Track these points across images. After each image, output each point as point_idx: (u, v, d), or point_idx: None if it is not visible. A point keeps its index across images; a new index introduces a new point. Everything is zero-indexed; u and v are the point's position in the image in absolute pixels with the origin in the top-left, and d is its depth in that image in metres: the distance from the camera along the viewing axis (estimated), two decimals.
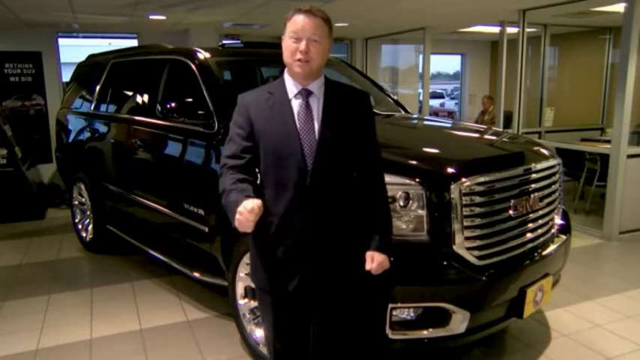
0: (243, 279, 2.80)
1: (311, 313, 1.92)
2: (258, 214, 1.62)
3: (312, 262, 1.81)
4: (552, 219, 2.84)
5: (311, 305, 1.90)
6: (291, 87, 1.83)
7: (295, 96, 1.82)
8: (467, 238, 2.35)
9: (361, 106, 1.91)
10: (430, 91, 8.37)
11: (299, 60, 1.75)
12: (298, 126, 1.78)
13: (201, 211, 3.11)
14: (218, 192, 1.81)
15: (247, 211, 1.60)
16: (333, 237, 1.83)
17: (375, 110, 3.07)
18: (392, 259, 2.25)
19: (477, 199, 2.38)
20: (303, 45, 1.74)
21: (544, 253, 2.70)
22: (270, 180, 1.81)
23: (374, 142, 1.92)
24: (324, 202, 1.79)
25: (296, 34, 1.76)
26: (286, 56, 1.80)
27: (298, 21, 1.76)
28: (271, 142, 1.79)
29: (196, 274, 3.26)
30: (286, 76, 1.86)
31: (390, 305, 2.28)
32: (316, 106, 1.82)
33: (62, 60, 7.73)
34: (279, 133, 1.78)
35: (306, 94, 1.82)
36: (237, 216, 1.62)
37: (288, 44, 1.78)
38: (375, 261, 1.84)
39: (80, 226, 4.92)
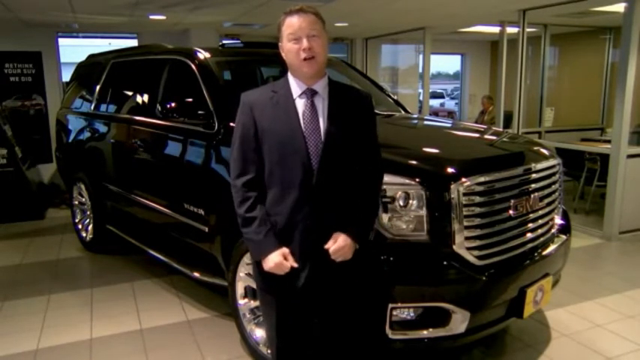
0: (243, 279, 2.80)
1: (313, 313, 1.92)
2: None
3: (317, 261, 1.82)
4: (552, 219, 2.84)
5: (314, 305, 1.90)
6: (296, 87, 1.84)
7: (300, 95, 1.83)
8: (467, 238, 2.34)
9: (364, 107, 1.92)
10: (430, 91, 8.36)
11: (305, 59, 1.76)
12: (303, 125, 1.79)
13: (201, 211, 3.11)
14: (220, 193, 1.82)
15: (282, 269, 1.79)
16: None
17: (375, 110, 3.07)
18: (392, 259, 2.28)
19: (477, 199, 2.38)
20: (305, 43, 1.75)
21: (544, 253, 2.70)
22: (276, 179, 1.81)
23: (375, 143, 1.93)
24: (329, 201, 1.80)
25: (294, 34, 1.77)
26: (291, 59, 1.80)
27: (293, 22, 1.77)
28: (276, 140, 1.80)
29: (196, 274, 3.26)
30: (290, 76, 1.87)
31: (390, 305, 2.28)
32: (321, 105, 1.83)
33: (62, 60, 7.72)
34: (284, 132, 1.79)
35: (310, 93, 1.83)
36: (271, 265, 1.80)
37: (289, 47, 1.79)
38: (337, 242, 1.80)
39: (80, 226, 4.92)
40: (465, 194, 2.34)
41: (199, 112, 3.12)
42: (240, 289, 2.83)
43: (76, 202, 4.95)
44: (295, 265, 1.79)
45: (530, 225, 2.63)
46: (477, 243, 2.38)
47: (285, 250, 1.80)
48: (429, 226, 2.31)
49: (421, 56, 8.63)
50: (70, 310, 3.58)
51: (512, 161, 2.65)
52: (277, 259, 1.78)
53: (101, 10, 5.91)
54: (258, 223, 1.81)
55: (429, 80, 8.07)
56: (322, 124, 1.80)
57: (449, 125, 3.98)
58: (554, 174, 2.83)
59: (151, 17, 6.47)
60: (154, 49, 4.13)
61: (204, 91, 3.20)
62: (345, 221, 1.84)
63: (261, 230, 1.81)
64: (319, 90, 1.84)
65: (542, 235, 2.73)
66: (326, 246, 1.80)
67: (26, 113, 7.30)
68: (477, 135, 3.40)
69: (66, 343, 3.11)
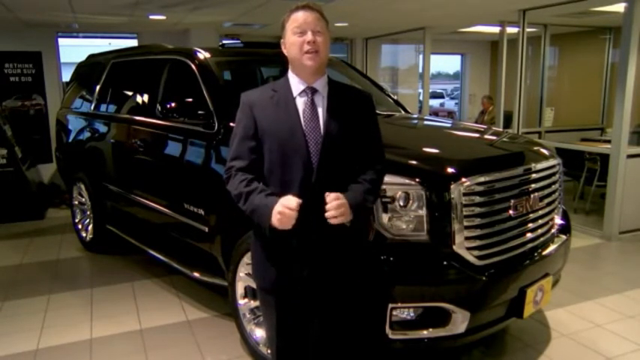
0: (243, 279, 2.80)
1: (314, 313, 1.92)
2: (298, 209, 1.70)
3: (317, 260, 1.82)
4: (552, 219, 2.84)
5: (314, 305, 1.90)
6: (296, 85, 1.84)
7: (300, 94, 1.83)
8: (467, 238, 2.35)
9: (364, 106, 1.92)
10: (430, 91, 8.37)
11: (308, 52, 1.76)
12: (303, 124, 1.79)
13: (201, 211, 3.11)
14: (220, 193, 1.81)
15: (292, 208, 1.69)
16: (338, 235, 1.83)
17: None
18: (392, 259, 2.28)
19: (477, 199, 2.38)
20: (309, 35, 1.76)
21: (544, 253, 2.70)
22: (275, 178, 1.81)
23: (379, 143, 1.92)
24: None
25: (299, 28, 1.78)
26: (294, 52, 1.80)
27: (299, 16, 1.79)
28: (276, 139, 1.79)
29: (196, 274, 3.26)
30: (290, 75, 1.87)
31: (390, 305, 2.28)
32: (321, 104, 1.83)
33: (62, 60, 7.72)
34: (284, 131, 1.79)
35: (311, 92, 1.83)
36: (279, 216, 1.70)
37: (293, 40, 1.79)
38: (337, 198, 1.72)
39: (80, 226, 4.92)
40: (464, 194, 2.34)
41: (199, 112, 3.12)
42: (240, 289, 2.83)
43: (76, 202, 4.95)
44: (299, 200, 1.70)
45: (530, 225, 2.63)
46: (477, 243, 2.38)
47: (284, 196, 1.73)
48: (429, 226, 2.31)
49: (421, 56, 8.63)
50: (70, 310, 3.58)
51: (512, 161, 2.65)
52: (280, 209, 1.69)
53: (101, 10, 5.91)
54: (259, 189, 1.79)
55: (429, 80, 8.08)
56: (322, 121, 1.80)
57: (449, 125, 3.98)
58: (554, 174, 2.83)
59: (151, 17, 6.47)
60: (154, 49, 4.13)
61: (204, 91, 3.20)
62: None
63: (263, 193, 1.77)
64: (319, 88, 1.84)
65: (542, 235, 2.73)
66: (327, 201, 1.71)
67: (26, 113, 7.30)
68: (476, 135, 3.40)
69: (66, 343, 3.11)
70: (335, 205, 1.71)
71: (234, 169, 1.85)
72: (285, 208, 1.69)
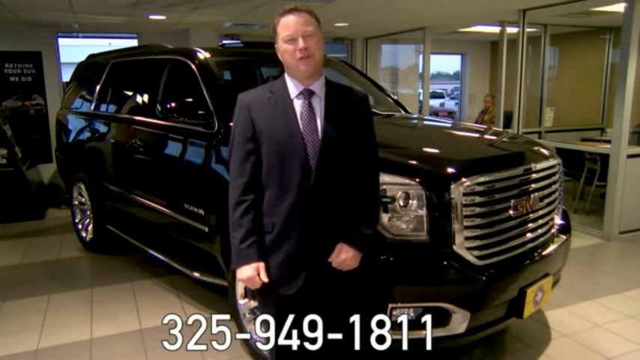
0: None
1: (313, 312, 1.92)
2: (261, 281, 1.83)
3: (315, 262, 1.82)
4: (552, 219, 2.84)
5: (313, 305, 1.90)
6: (293, 87, 1.84)
7: (297, 96, 1.82)
8: (467, 238, 2.35)
9: (361, 108, 1.92)
10: (430, 91, 8.36)
11: (301, 58, 1.76)
12: (301, 126, 1.78)
13: (201, 211, 3.11)
14: (220, 193, 1.82)
15: (253, 285, 1.85)
16: (335, 237, 1.83)
17: (375, 110, 3.07)
18: (392, 259, 2.28)
19: (477, 199, 2.38)
20: (300, 43, 1.76)
21: (544, 253, 2.70)
22: (273, 180, 1.80)
23: (372, 143, 1.92)
24: (327, 202, 1.79)
25: (290, 36, 1.78)
26: (288, 59, 1.81)
27: (288, 23, 1.78)
28: (274, 142, 1.79)
29: (196, 274, 3.26)
30: (287, 77, 1.86)
31: (390, 305, 2.28)
32: (318, 106, 1.82)
33: (62, 60, 7.72)
34: (282, 133, 1.78)
35: (308, 94, 1.82)
36: (244, 277, 1.83)
37: (285, 48, 1.80)
38: (339, 255, 1.83)
39: (80, 226, 4.92)
40: (465, 194, 2.34)
41: (199, 112, 3.12)
42: (240, 289, 2.83)
43: (76, 202, 4.95)
44: (266, 280, 1.80)
45: (530, 225, 2.63)
46: (477, 243, 2.38)
47: (260, 264, 1.81)
48: (429, 226, 2.31)
49: (421, 56, 8.63)
50: (70, 310, 3.58)
51: (512, 161, 2.65)
52: (250, 273, 1.80)
53: (101, 10, 5.92)
54: (245, 232, 1.81)
55: (429, 80, 8.08)
56: (320, 124, 1.80)
57: (449, 125, 3.98)
58: (554, 174, 2.83)
59: (151, 17, 6.47)
60: (154, 49, 4.12)
61: (204, 91, 3.20)
62: (346, 230, 1.84)
63: (246, 241, 1.81)
64: (316, 90, 1.83)
65: (542, 235, 2.73)
66: (329, 259, 1.82)
67: (26, 113, 7.30)
68: (476, 135, 3.40)
69: (66, 343, 3.11)
70: (338, 266, 1.83)
71: (236, 178, 1.85)
72: (247, 282, 1.85)
